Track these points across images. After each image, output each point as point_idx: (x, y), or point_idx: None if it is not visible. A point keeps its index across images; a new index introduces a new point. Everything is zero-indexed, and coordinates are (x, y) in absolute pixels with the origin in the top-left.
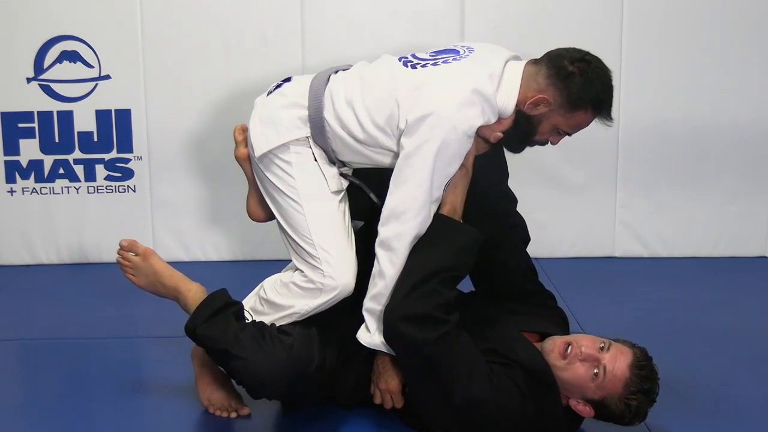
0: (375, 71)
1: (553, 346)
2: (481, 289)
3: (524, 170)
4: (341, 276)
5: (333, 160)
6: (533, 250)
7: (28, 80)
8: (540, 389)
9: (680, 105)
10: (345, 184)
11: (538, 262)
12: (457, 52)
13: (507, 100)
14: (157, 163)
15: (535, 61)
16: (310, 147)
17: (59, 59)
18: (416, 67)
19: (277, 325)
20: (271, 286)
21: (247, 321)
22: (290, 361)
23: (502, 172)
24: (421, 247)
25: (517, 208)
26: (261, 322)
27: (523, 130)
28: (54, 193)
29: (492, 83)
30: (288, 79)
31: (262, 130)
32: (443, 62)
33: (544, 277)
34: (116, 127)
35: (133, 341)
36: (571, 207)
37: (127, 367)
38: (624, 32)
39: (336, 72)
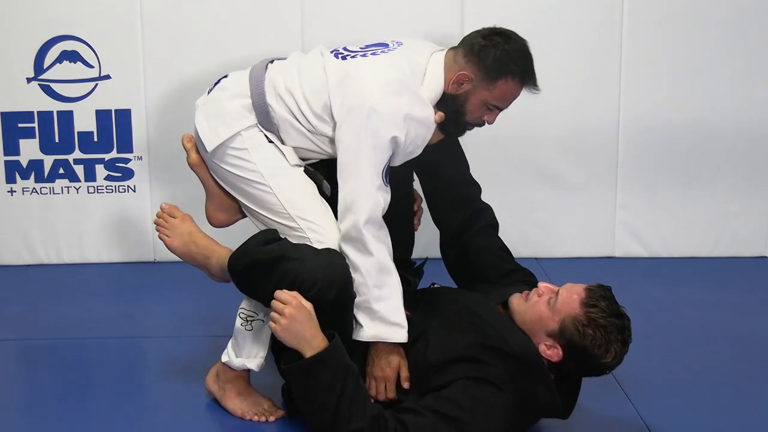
0: (310, 62)
1: (516, 297)
2: (460, 279)
3: (524, 170)
4: (329, 237)
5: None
6: (533, 250)
7: (28, 80)
8: (530, 376)
9: (680, 105)
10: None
11: (539, 262)
12: (387, 45)
13: (434, 90)
14: (157, 163)
15: (453, 48)
16: (261, 131)
17: (59, 59)
18: (346, 59)
19: None
20: None
21: None
22: (344, 268)
23: (461, 161)
24: (304, 402)
25: (516, 208)
26: None
27: (453, 111)
28: (54, 193)
29: (416, 78)
30: (225, 76)
31: (209, 125)
32: (371, 54)
33: (544, 278)
34: (116, 127)
35: (133, 341)
36: (571, 207)
37: (127, 367)
38: (624, 32)
39: (272, 61)
